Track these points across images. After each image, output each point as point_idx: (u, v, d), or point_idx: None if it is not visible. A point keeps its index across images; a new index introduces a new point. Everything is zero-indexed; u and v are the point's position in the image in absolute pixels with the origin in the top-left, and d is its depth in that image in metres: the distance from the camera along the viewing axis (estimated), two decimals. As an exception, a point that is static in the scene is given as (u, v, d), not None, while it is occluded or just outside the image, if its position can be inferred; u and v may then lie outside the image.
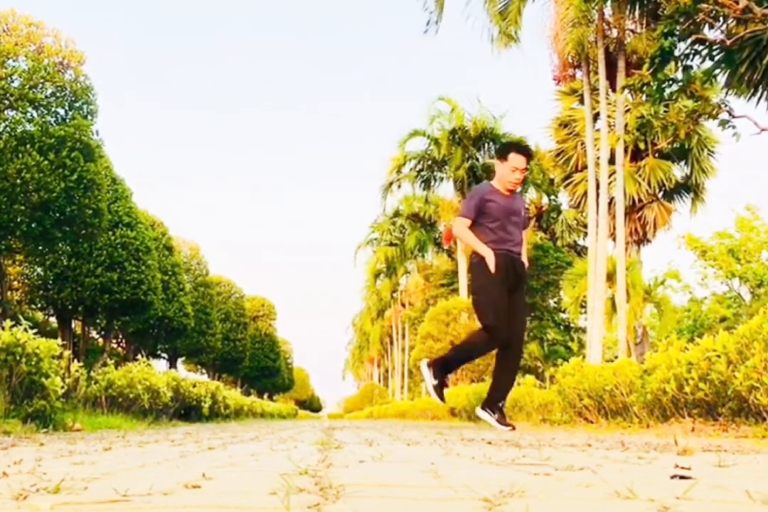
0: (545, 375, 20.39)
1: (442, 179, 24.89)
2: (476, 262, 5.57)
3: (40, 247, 10.06)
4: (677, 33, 8.10)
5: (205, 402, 13.06)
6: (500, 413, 5.71)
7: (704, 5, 7.81)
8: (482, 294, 5.58)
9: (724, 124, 8.91)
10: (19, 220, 8.75)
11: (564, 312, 23.75)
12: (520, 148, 5.81)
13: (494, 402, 5.73)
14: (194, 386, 12.79)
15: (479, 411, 5.71)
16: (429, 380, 5.51)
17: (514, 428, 5.69)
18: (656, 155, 19.71)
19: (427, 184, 25.14)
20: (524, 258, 5.72)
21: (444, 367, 5.61)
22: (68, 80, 9.19)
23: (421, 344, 24.64)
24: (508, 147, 5.93)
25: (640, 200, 19.38)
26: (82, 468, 1.89)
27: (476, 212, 5.52)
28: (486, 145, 23.56)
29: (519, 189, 5.89)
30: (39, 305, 13.40)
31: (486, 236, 5.51)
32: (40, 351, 5.78)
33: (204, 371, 27.71)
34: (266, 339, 33.69)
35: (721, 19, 8.11)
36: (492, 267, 5.36)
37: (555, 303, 26.96)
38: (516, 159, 5.55)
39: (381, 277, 37.34)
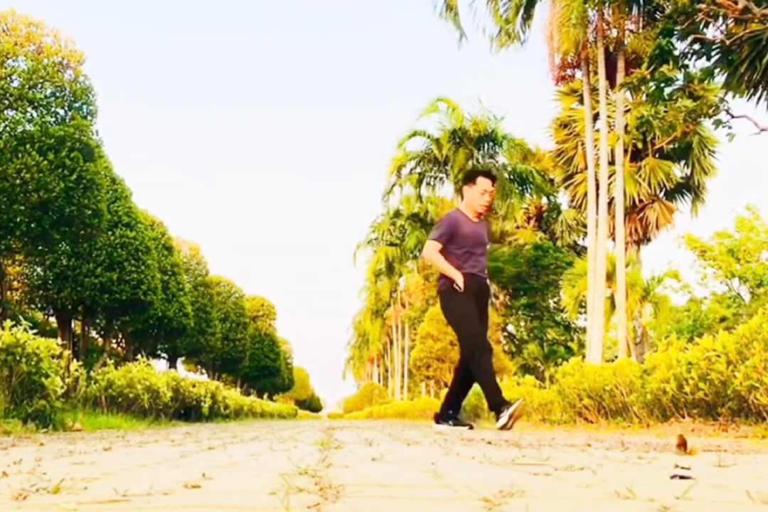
0: (545, 375, 20.40)
1: (442, 179, 24.88)
2: (446, 290, 5.87)
3: (40, 247, 10.05)
4: (676, 32, 8.10)
5: (205, 402, 13.06)
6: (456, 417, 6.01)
7: (702, 5, 7.81)
8: (460, 323, 5.85)
9: (718, 123, 8.92)
10: (18, 220, 8.75)
11: (564, 311, 23.77)
12: (487, 172, 6.22)
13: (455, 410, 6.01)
14: (194, 386, 12.79)
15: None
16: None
17: (471, 426, 5.88)
18: (656, 155, 19.72)
19: (427, 184, 25.13)
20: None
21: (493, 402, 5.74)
22: (68, 80, 9.18)
23: (421, 344, 24.66)
24: (475, 172, 6.39)
25: (641, 200, 19.38)
26: (82, 468, 1.89)
27: (447, 237, 5.82)
28: (486, 145, 23.55)
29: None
30: (39, 305, 13.39)
31: (454, 261, 5.81)
32: (40, 351, 5.78)
33: (204, 371, 27.69)
34: (266, 339, 33.67)
35: (720, 18, 8.10)
36: (461, 285, 5.69)
37: (555, 303, 26.98)
38: (484, 182, 5.92)
39: (381, 277, 37.33)
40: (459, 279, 5.69)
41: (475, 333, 5.72)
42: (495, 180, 6.12)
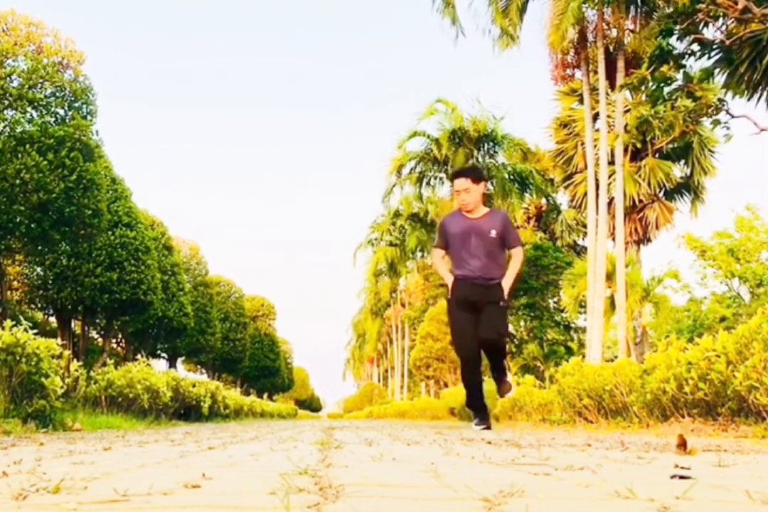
0: (545, 375, 20.39)
1: (442, 179, 24.87)
2: (447, 297, 6.04)
3: (40, 247, 10.05)
4: (676, 32, 8.10)
5: (205, 402, 13.06)
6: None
7: (702, 5, 7.81)
8: (450, 327, 6.07)
9: (716, 123, 8.91)
10: (18, 220, 8.74)
11: (564, 311, 23.77)
12: (458, 172, 6.35)
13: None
14: (194, 386, 12.79)
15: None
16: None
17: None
18: (656, 155, 19.71)
19: (427, 184, 25.12)
20: (507, 278, 5.79)
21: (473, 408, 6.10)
22: (68, 80, 9.18)
23: (421, 344, 24.69)
24: (452, 175, 6.42)
25: (641, 200, 19.37)
26: (81, 468, 1.89)
27: (443, 243, 6.01)
28: (486, 145, 23.54)
29: (482, 209, 6.05)
30: (39, 305, 13.39)
31: (451, 261, 5.98)
32: (40, 351, 5.78)
33: (204, 371, 27.69)
34: (266, 339, 33.67)
35: (720, 18, 8.10)
36: (450, 291, 5.85)
37: (555, 303, 26.95)
38: (456, 183, 6.00)
39: (381, 277, 37.34)
40: (449, 284, 5.87)
41: (458, 345, 5.91)
42: (469, 176, 5.96)
